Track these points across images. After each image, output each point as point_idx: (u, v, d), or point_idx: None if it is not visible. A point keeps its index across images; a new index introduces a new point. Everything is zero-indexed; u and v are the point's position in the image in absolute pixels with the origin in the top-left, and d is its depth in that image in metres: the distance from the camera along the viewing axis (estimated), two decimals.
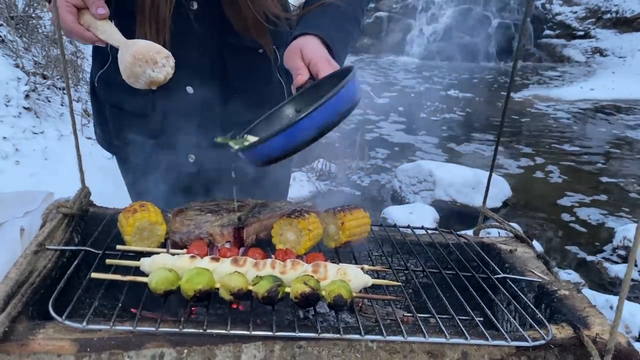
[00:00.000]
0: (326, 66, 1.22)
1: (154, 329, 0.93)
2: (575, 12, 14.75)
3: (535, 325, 1.05)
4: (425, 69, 13.27)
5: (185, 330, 0.93)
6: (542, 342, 1.01)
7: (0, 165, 3.51)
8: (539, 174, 6.51)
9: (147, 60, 1.15)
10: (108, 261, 1.07)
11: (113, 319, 0.94)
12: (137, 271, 1.07)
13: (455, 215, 4.91)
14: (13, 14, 5.00)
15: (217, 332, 0.94)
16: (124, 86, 1.31)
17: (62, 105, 4.58)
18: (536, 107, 10.09)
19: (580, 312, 1.15)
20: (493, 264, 1.34)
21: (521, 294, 1.21)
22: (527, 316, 1.09)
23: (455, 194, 5.16)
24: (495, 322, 1.08)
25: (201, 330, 0.93)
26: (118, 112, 1.57)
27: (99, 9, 1.22)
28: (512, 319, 1.11)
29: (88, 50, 5.11)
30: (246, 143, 1.14)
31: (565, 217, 5.33)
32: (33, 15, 5.24)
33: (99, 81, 1.58)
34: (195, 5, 1.41)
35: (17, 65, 4.71)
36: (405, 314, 1.15)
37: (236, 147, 1.14)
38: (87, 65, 5.39)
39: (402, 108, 8.85)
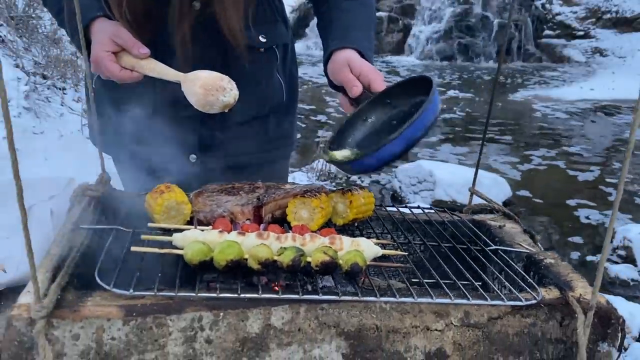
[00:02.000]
0: (377, 76, 1.37)
1: (193, 294, 1.03)
2: (575, 12, 14.74)
3: (527, 288, 1.19)
4: (425, 69, 13.23)
5: (221, 295, 1.04)
6: (534, 301, 1.14)
7: (0, 165, 3.51)
8: (539, 174, 6.50)
9: (217, 89, 1.23)
10: (144, 236, 1.16)
11: (156, 286, 1.04)
12: (168, 247, 1.17)
13: None
14: (13, 14, 4.97)
15: (250, 296, 1.04)
16: (123, 86, 1.35)
17: (62, 105, 4.57)
18: (536, 107, 10.08)
19: (565, 277, 1.29)
20: (485, 238, 1.48)
21: (512, 263, 1.34)
22: (519, 281, 1.23)
23: (456, 194, 5.13)
24: (492, 286, 1.21)
25: (235, 295, 1.04)
26: (117, 112, 1.56)
27: (140, 49, 1.28)
28: (506, 283, 1.24)
29: None
30: (352, 155, 1.30)
31: (566, 217, 5.31)
32: (33, 15, 5.20)
33: (96, 81, 1.57)
34: (197, 6, 1.46)
35: (17, 66, 4.68)
36: (413, 279, 1.27)
37: (352, 156, 1.29)
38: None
39: None
